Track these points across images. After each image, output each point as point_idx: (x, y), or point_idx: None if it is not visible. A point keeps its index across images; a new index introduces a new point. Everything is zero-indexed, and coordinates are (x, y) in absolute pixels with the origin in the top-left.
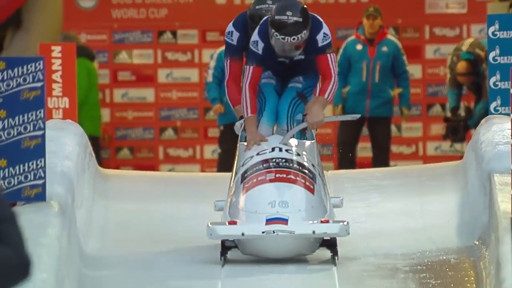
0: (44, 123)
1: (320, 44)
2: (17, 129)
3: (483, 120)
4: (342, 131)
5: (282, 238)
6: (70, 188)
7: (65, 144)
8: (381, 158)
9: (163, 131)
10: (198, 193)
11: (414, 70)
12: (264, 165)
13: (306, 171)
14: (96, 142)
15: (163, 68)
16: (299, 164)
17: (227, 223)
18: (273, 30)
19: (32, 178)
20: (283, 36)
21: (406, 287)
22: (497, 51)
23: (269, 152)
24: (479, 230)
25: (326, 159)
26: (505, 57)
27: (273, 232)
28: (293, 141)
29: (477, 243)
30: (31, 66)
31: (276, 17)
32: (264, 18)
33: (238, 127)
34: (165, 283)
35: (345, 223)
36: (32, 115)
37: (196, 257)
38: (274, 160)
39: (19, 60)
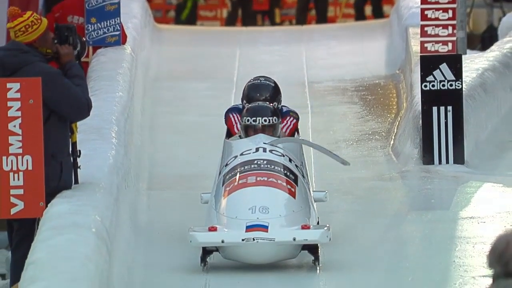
0: None
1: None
2: None
3: None
4: (298, 9)
5: (262, 245)
6: (136, 36)
7: (132, 8)
8: (322, 18)
9: None
10: (217, 39)
11: None
12: (246, 167)
13: (289, 173)
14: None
15: None
16: (282, 166)
17: (207, 229)
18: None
19: (112, 30)
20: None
21: (352, 101)
22: None
23: (253, 152)
24: (399, 63)
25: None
26: None
27: (253, 239)
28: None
29: (398, 72)
30: None
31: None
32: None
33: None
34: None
35: (326, 228)
36: None
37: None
38: (256, 161)
39: None
